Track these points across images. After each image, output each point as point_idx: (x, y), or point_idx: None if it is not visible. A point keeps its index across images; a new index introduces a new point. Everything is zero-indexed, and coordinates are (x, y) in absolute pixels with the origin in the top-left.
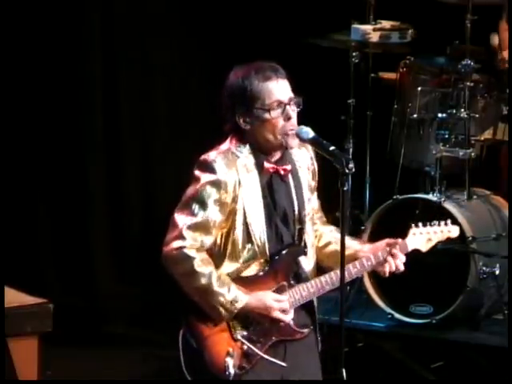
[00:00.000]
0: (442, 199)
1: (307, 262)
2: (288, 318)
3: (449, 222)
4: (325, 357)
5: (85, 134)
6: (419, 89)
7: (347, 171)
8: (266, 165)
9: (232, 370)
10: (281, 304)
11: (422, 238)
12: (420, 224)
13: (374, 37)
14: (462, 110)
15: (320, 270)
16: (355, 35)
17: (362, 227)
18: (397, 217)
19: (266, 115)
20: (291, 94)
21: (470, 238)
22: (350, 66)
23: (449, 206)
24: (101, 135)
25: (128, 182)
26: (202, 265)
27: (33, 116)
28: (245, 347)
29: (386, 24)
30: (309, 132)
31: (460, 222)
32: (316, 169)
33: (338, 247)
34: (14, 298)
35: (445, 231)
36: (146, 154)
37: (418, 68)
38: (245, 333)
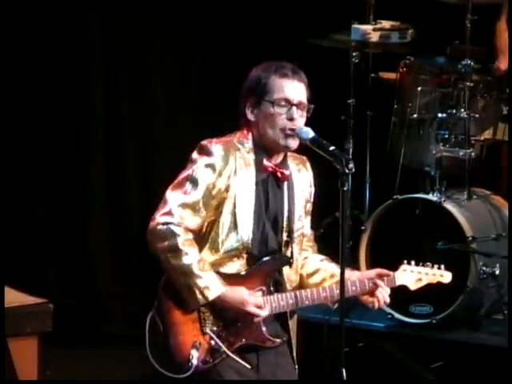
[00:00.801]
0: (442, 199)
1: (291, 274)
2: (262, 314)
3: (442, 266)
4: (325, 357)
5: (85, 134)
6: (419, 89)
7: (347, 171)
8: (265, 163)
9: (195, 361)
10: (256, 299)
11: (413, 276)
12: (413, 262)
13: (374, 37)
14: (462, 109)
15: None
16: (355, 35)
17: (362, 227)
18: (397, 217)
19: (270, 109)
20: (302, 98)
21: (470, 238)
22: (350, 66)
23: (449, 205)
24: (101, 135)
25: (128, 182)
26: (187, 244)
27: (33, 116)
28: (212, 342)
29: (386, 24)
30: (309, 132)
31: (460, 222)
32: (313, 193)
33: (325, 276)
34: (14, 298)
35: (437, 275)
36: (146, 154)
37: (418, 68)
38: (215, 328)
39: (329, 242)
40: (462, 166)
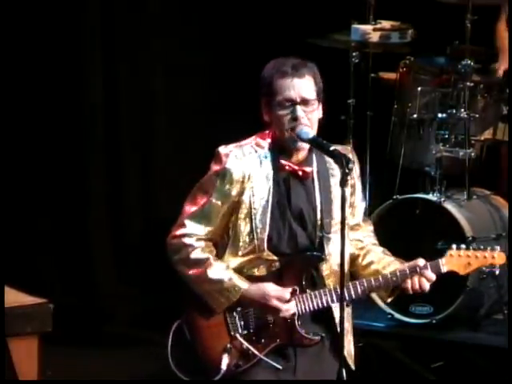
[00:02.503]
0: (442, 199)
1: (327, 271)
2: (287, 308)
3: (497, 248)
4: None
5: (85, 133)
6: (419, 89)
7: (347, 171)
8: (282, 162)
9: (224, 367)
10: (280, 293)
11: (461, 260)
12: (463, 246)
13: (374, 37)
14: (462, 109)
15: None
16: (355, 35)
17: None
18: (397, 217)
19: (276, 111)
20: (305, 95)
21: (470, 238)
22: (350, 66)
23: (449, 205)
24: (101, 135)
25: (128, 182)
26: (199, 252)
27: (33, 117)
28: (244, 346)
29: (386, 24)
30: (309, 132)
31: (460, 222)
32: (356, 184)
33: (379, 267)
34: (14, 298)
35: (488, 257)
36: (146, 154)
37: (418, 68)
38: (245, 332)
39: None
40: (462, 166)
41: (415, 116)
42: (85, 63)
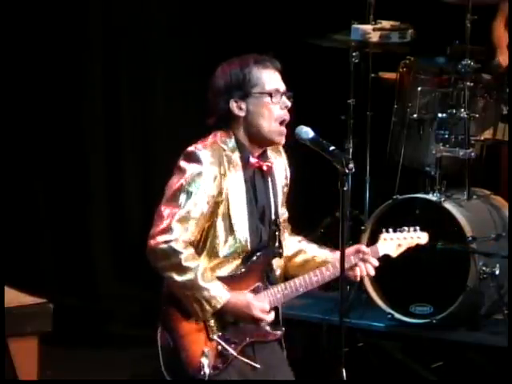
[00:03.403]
0: (442, 199)
1: (278, 265)
2: (269, 318)
3: (418, 228)
4: (325, 357)
5: (85, 133)
6: (419, 89)
7: (347, 171)
8: (252, 160)
9: (207, 370)
10: (261, 304)
11: (393, 243)
12: (390, 230)
13: (374, 37)
14: (462, 109)
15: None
16: (355, 35)
17: (362, 227)
18: (397, 217)
19: (267, 99)
20: (285, 87)
21: (470, 238)
22: (350, 66)
23: (449, 205)
24: (101, 135)
25: (128, 182)
26: (190, 259)
27: (34, 115)
28: (219, 347)
29: (386, 24)
30: (309, 132)
31: (460, 222)
32: (289, 175)
33: (306, 257)
34: (14, 298)
35: (414, 237)
36: (146, 154)
37: (418, 68)
38: (220, 333)
39: (329, 242)
40: (461, 165)
41: (415, 116)
42: (85, 62)
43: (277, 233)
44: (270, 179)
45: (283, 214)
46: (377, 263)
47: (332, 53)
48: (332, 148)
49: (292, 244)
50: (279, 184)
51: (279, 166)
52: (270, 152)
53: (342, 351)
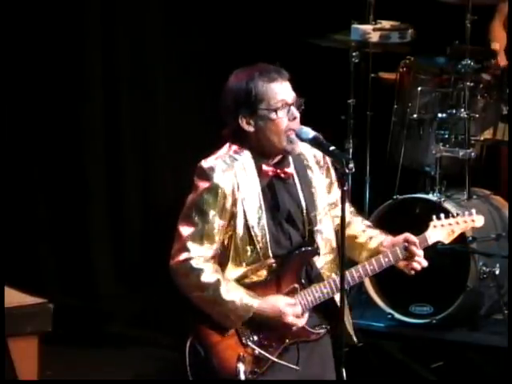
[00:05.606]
0: (442, 199)
1: (321, 262)
2: (302, 322)
3: (473, 211)
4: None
5: (85, 133)
6: (419, 89)
7: (347, 171)
8: (265, 168)
9: (243, 376)
10: (294, 309)
11: (444, 230)
12: (442, 215)
13: (374, 37)
14: (462, 109)
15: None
16: (355, 35)
17: None
18: (397, 217)
19: (272, 115)
20: (293, 95)
21: (470, 238)
22: (350, 66)
23: (449, 205)
24: (101, 135)
25: (128, 182)
26: (209, 275)
27: (33, 115)
28: (256, 352)
29: (386, 24)
30: (309, 132)
31: None
32: (329, 165)
33: (362, 241)
34: (14, 298)
35: (468, 221)
36: (146, 154)
37: (418, 68)
38: (255, 338)
39: None
40: (461, 166)
41: (415, 116)
42: (85, 62)
43: (315, 228)
44: (296, 181)
45: (326, 206)
46: (422, 254)
47: (332, 53)
48: (332, 148)
49: (350, 226)
50: (316, 179)
51: (311, 157)
52: (296, 156)
53: (342, 351)
